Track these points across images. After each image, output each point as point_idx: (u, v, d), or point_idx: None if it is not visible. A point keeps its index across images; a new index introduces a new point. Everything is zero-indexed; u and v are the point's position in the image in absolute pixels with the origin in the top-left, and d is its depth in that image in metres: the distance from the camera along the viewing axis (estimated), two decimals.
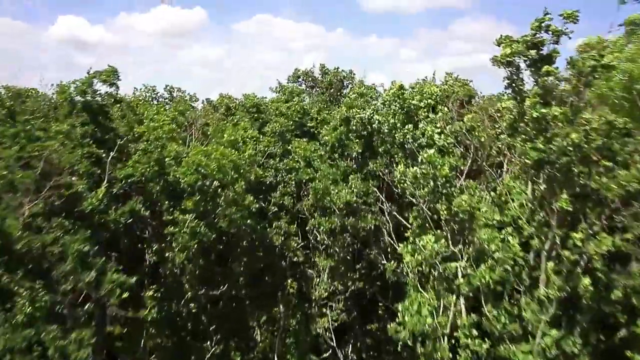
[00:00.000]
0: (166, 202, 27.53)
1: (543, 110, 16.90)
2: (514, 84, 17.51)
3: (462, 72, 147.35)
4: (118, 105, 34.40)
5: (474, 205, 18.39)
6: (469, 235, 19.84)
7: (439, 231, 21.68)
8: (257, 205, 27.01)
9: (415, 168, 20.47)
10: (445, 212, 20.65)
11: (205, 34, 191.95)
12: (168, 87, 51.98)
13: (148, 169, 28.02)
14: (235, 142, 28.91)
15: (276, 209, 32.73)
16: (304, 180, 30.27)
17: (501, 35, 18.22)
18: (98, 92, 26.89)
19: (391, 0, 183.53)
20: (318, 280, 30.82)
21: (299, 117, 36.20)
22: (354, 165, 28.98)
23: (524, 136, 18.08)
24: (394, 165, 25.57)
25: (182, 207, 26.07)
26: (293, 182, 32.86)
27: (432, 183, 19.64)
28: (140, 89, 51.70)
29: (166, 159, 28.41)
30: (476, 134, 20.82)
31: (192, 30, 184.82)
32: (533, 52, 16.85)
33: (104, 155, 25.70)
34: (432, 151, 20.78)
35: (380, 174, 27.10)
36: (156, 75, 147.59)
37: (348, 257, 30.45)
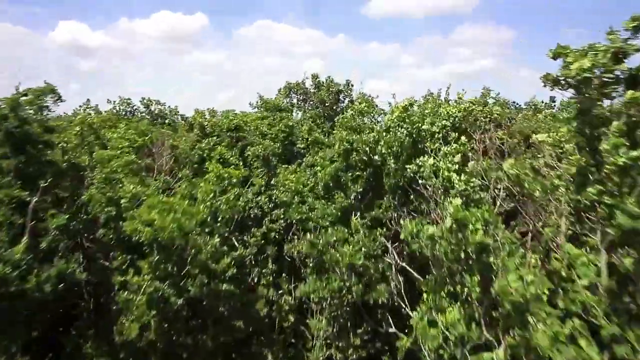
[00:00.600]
0: (121, 256, 21.89)
1: (634, 154, 11.10)
2: (592, 112, 11.60)
3: (462, 77, 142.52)
4: (77, 127, 29.18)
5: (527, 295, 12.42)
6: (515, 324, 13.96)
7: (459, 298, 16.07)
8: (235, 270, 21.02)
9: (432, 228, 14.63)
10: (476, 288, 14.80)
11: (206, 39, 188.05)
12: (145, 100, 46.63)
13: (105, 209, 22.78)
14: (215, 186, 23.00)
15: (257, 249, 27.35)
16: (293, 221, 24.35)
17: (558, 44, 12.51)
18: (25, 118, 21.04)
19: (392, 7, 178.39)
20: (312, 344, 24.93)
21: (285, 136, 30.45)
22: (355, 202, 22.88)
23: (599, 187, 12.26)
24: (404, 210, 19.81)
25: (138, 266, 20.41)
26: (282, 220, 27.13)
27: (462, 254, 13.75)
28: (115, 102, 46.63)
29: (122, 201, 22.94)
30: (526, 185, 14.79)
31: (193, 36, 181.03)
32: (623, 66, 10.97)
33: (28, 198, 19.89)
34: (458, 201, 14.89)
35: (388, 222, 20.99)
36: (157, 78, 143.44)
37: (347, 311, 24.54)
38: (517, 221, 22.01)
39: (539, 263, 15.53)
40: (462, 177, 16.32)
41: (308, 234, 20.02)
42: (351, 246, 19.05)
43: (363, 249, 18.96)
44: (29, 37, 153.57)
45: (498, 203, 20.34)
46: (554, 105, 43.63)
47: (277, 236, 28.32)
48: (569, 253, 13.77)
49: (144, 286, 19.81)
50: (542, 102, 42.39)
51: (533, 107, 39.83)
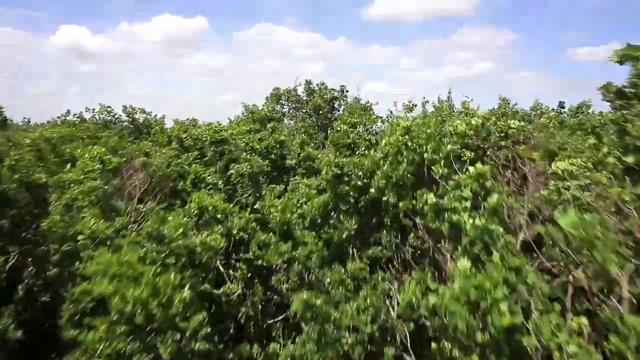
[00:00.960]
0: (72, 305, 18.75)
1: None
2: None
3: (463, 80, 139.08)
4: (29, 141, 26.61)
5: None
6: None
7: None
8: (209, 329, 17.52)
9: (433, 297, 11.36)
10: None
11: (206, 43, 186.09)
12: (128, 108, 43.22)
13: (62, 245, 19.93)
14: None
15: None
16: (275, 265, 20.94)
17: (627, 44, 9.17)
18: None
19: (392, 9, 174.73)
20: None
21: (276, 152, 27.18)
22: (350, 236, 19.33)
23: None
24: (408, 250, 16.41)
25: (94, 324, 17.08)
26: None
27: (479, 337, 10.38)
28: (94, 110, 43.38)
29: (79, 237, 19.92)
30: (596, 256, 10.79)
31: (193, 39, 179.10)
32: None
33: None
34: (465, 264, 11.40)
35: (389, 263, 17.45)
36: (157, 81, 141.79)
37: None
38: (542, 251, 18.64)
39: (584, 327, 12.03)
40: (478, 221, 12.72)
41: (304, 294, 16.33)
42: (355, 304, 15.31)
43: (371, 309, 15.21)
44: (29, 41, 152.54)
45: (521, 236, 16.95)
46: (563, 111, 40.40)
47: (264, 263, 25.36)
48: (635, 329, 10.23)
49: (99, 348, 16.53)
50: (550, 108, 39.13)
51: (539, 111, 36.52)
